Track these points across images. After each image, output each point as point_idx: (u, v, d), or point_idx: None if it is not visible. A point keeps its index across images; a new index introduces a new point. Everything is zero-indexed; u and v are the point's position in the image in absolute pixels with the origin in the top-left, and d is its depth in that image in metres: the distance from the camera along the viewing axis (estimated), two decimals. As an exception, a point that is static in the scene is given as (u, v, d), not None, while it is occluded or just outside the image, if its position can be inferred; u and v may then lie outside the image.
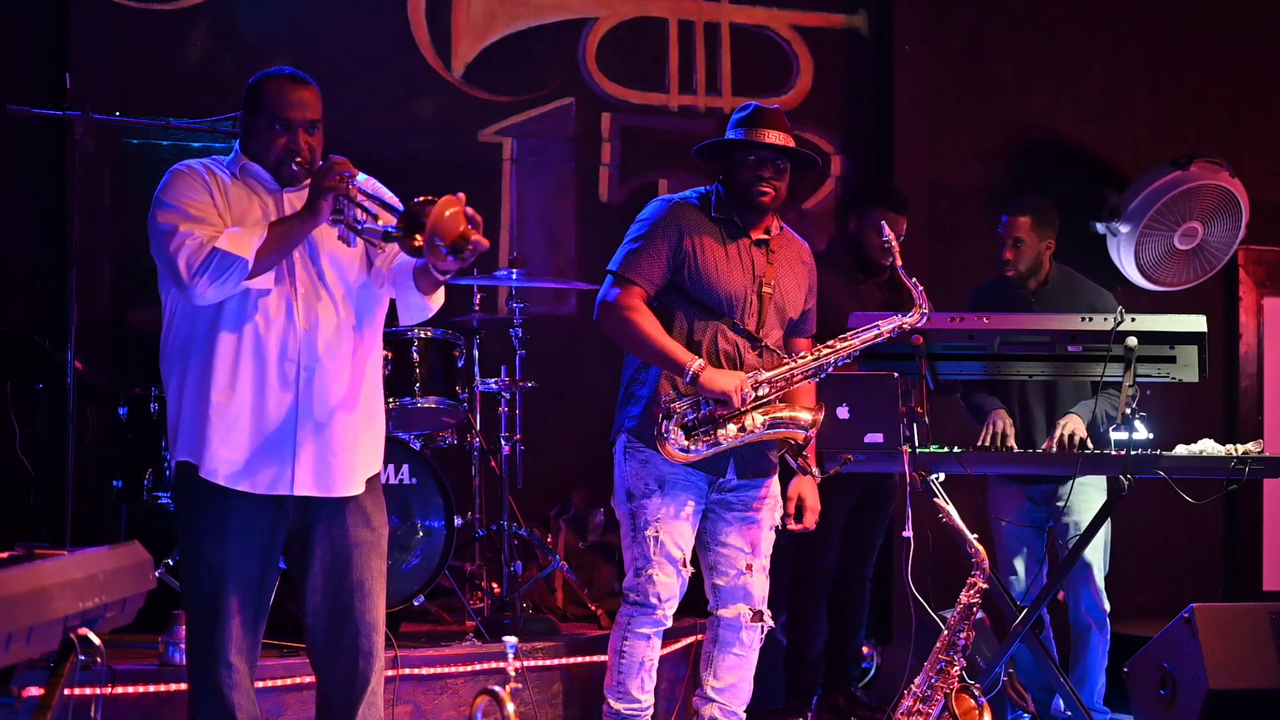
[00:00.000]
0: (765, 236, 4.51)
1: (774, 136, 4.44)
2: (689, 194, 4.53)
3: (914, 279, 4.45)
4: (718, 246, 4.43)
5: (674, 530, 4.35)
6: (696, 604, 4.72)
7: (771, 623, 4.52)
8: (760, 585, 4.47)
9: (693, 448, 4.28)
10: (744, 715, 4.53)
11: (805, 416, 4.35)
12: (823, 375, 4.45)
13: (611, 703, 4.42)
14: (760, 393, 4.32)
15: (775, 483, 4.52)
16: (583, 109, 6.80)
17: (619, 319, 4.37)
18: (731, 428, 4.29)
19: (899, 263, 4.45)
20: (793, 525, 4.54)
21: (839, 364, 4.45)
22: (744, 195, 4.45)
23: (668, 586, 4.35)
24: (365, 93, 6.46)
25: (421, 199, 3.47)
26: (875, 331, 4.47)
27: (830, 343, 4.44)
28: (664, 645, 4.55)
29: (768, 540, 4.50)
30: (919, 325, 4.48)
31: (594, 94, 6.82)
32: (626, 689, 4.40)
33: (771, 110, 4.51)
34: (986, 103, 7.36)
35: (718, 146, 4.52)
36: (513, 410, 5.74)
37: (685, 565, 4.38)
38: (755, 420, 4.30)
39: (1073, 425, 5.15)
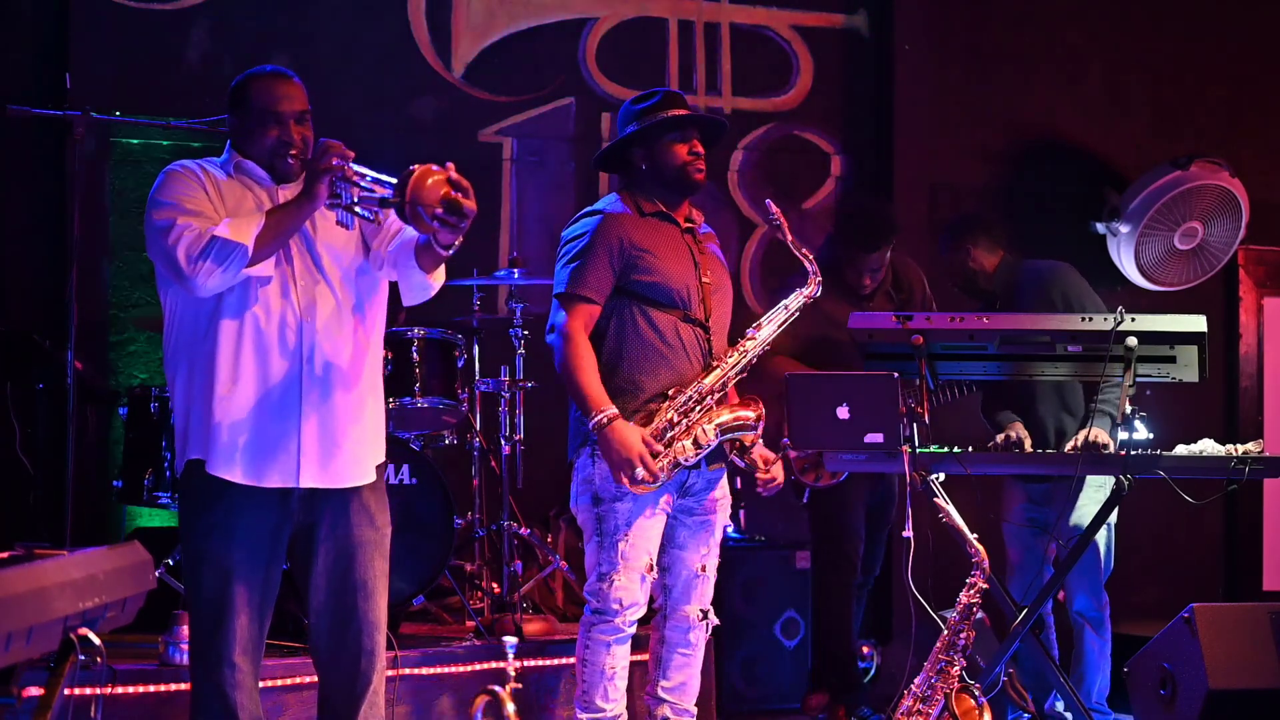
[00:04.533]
0: (690, 225, 4.51)
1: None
2: (607, 204, 4.48)
3: (804, 250, 4.46)
4: (657, 242, 4.42)
5: (643, 536, 4.32)
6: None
7: (716, 620, 4.52)
8: (709, 586, 4.48)
9: (659, 478, 4.27)
10: (695, 710, 4.52)
11: (749, 415, 4.36)
12: (748, 369, 4.44)
13: (579, 714, 4.39)
14: (705, 402, 4.33)
15: (725, 482, 4.51)
16: (583, 109, 6.81)
17: (558, 346, 4.38)
18: (689, 446, 4.29)
19: (789, 238, 4.44)
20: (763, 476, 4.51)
21: (760, 354, 4.46)
22: (679, 176, 4.43)
23: (630, 592, 4.30)
24: (365, 93, 6.46)
25: (412, 167, 3.50)
26: (784, 313, 4.49)
27: (748, 333, 4.46)
28: (632, 653, 4.50)
29: (718, 541, 4.51)
30: (817, 294, 4.49)
31: (594, 94, 6.82)
32: (590, 699, 4.36)
33: (676, 91, 4.55)
34: (986, 103, 7.36)
35: (634, 139, 4.44)
36: (513, 410, 5.74)
37: (650, 570, 4.35)
38: (707, 433, 4.32)
39: (1096, 433, 5.10)
